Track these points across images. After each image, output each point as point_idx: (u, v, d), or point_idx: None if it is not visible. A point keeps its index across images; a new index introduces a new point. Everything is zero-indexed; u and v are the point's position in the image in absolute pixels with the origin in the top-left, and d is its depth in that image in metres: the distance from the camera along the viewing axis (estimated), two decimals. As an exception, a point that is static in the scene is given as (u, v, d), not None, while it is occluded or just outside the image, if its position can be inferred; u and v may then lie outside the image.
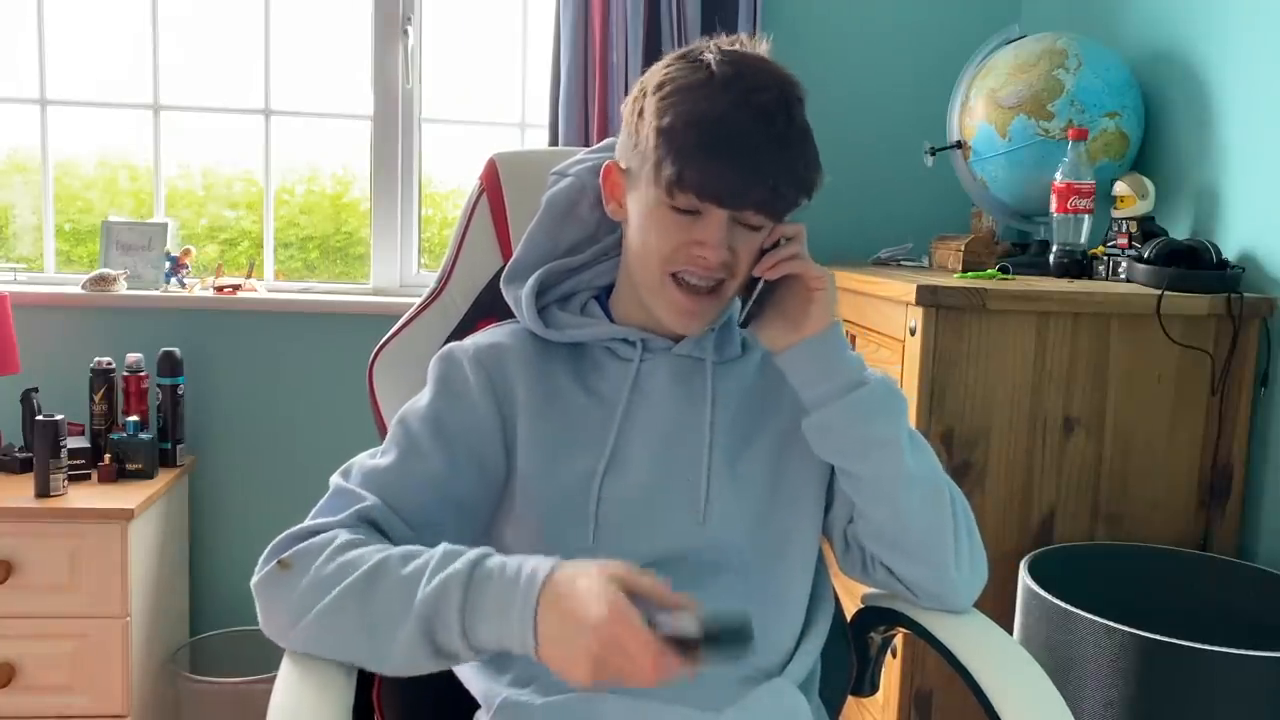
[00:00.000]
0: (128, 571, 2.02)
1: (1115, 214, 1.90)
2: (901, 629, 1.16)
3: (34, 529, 2.00)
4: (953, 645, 1.06)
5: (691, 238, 0.99)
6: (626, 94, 1.07)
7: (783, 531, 1.07)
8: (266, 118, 2.53)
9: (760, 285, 1.02)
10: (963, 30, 2.46)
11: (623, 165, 1.06)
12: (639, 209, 1.03)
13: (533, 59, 2.58)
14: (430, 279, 1.34)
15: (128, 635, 2.04)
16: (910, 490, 1.03)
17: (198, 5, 2.50)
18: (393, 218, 2.54)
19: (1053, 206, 1.90)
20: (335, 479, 1.02)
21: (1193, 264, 1.70)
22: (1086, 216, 1.89)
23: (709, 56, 1.00)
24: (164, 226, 2.46)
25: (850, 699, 1.26)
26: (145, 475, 2.18)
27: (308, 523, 0.97)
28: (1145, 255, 1.75)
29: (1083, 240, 1.90)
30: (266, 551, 0.96)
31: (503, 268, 1.25)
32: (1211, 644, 1.30)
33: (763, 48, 1.04)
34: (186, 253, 2.45)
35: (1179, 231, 1.94)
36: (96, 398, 2.27)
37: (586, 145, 2.33)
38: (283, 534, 0.96)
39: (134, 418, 2.23)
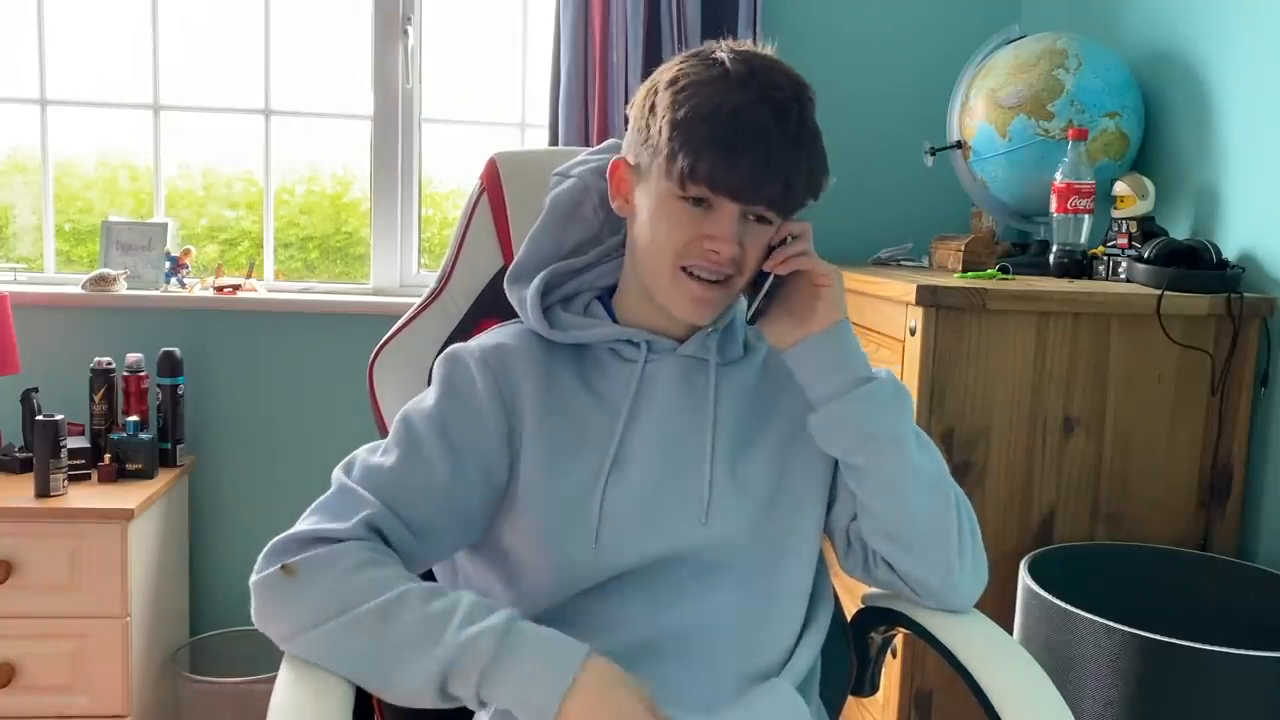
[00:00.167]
0: (128, 571, 2.02)
1: (1115, 214, 1.90)
2: (902, 629, 1.16)
3: (34, 529, 2.00)
4: (953, 645, 1.06)
5: (702, 231, 0.99)
6: (627, 94, 1.08)
7: (784, 531, 1.07)
8: (266, 118, 2.53)
9: (768, 282, 1.02)
10: (963, 30, 2.46)
11: (631, 161, 1.06)
12: (648, 203, 1.03)
13: (533, 59, 2.58)
14: (430, 279, 1.34)
15: (128, 635, 2.04)
16: (916, 486, 1.03)
17: (197, 5, 2.50)
18: (393, 218, 2.54)
19: (1053, 206, 1.90)
20: (338, 474, 1.01)
21: (1193, 264, 1.70)
22: (1086, 216, 1.89)
23: (722, 55, 1.01)
24: (164, 226, 2.46)
25: (850, 699, 1.26)
26: (145, 475, 2.18)
27: (312, 526, 0.96)
28: (1145, 255, 1.75)
29: (1083, 240, 1.90)
30: (267, 551, 0.95)
31: (503, 267, 1.25)
32: (1211, 644, 1.30)
33: (771, 51, 1.04)
34: (186, 253, 2.45)
35: (1179, 231, 1.94)
36: (96, 398, 2.27)
37: (586, 145, 2.34)
38: (285, 534, 0.96)
39: (134, 418, 2.23)
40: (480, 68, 2.61)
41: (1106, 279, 1.86)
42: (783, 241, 1.03)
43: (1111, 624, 1.35)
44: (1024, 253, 2.07)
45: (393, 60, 2.50)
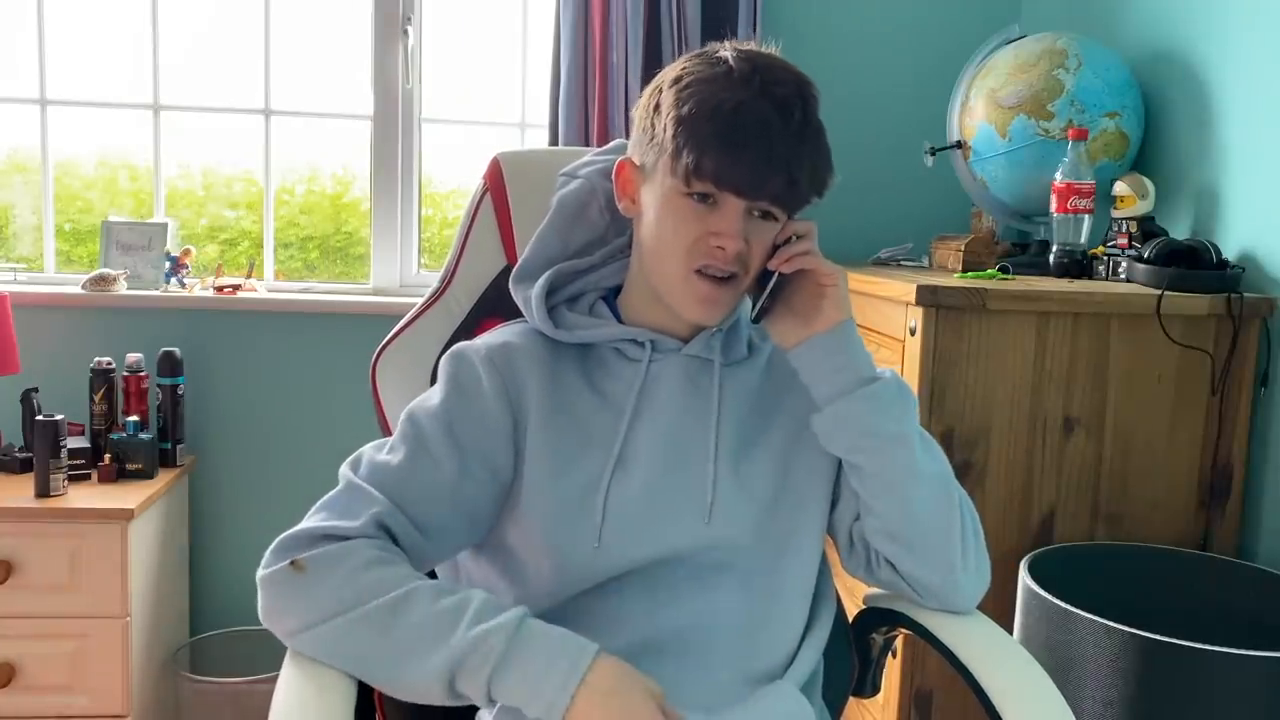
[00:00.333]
0: (128, 571, 2.02)
1: (1115, 214, 1.91)
2: (903, 630, 1.16)
3: (34, 529, 2.00)
4: (954, 645, 1.06)
5: (708, 229, 0.99)
6: (627, 94, 1.08)
7: (787, 531, 1.07)
8: (266, 118, 2.53)
9: (773, 281, 1.02)
10: (963, 30, 2.46)
11: (636, 161, 1.06)
12: (654, 202, 1.03)
13: (533, 59, 2.58)
14: (430, 279, 1.34)
15: (128, 635, 2.04)
16: (920, 486, 1.03)
17: (197, 5, 2.50)
18: (393, 218, 2.54)
19: (1053, 206, 1.90)
20: (345, 470, 1.01)
21: (1193, 264, 1.70)
22: (1086, 216, 1.89)
23: (726, 54, 1.01)
24: (164, 226, 2.46)
25: (850, 699, 1.26)
26: (145, 475, 2.18)
27: (321, 522, 0.96)
28: (1145, 255, 1.75)
29: (1083, 240, 1.90)
30: (275, 546, 0.95)
31: (506, 267, 1.25)
32: (1211, 644, 1.30)
33: (775, 51, 1.05)
34: (186, 253, 2.45)
35: (1179, 231, 1.94)
36: (96, 398, 2.27)
37: (587, 145, 2.34)
38: (293, 530, 0.96)
39: (134, 418, 2.22)
40: (480, 68, 2.61)
41: (1106, 279, 1.87)
42: (787, 240, 1.03)
43: (1111, 624, 1.35)
44: (1024, 253, 2.07)
45: (393, 60, 2.50)
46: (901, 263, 2.25)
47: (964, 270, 1.97)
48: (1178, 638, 1.31)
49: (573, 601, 1.02)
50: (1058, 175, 1.89)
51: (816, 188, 1.01)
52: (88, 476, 2.17)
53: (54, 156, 2.49)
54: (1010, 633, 1.47)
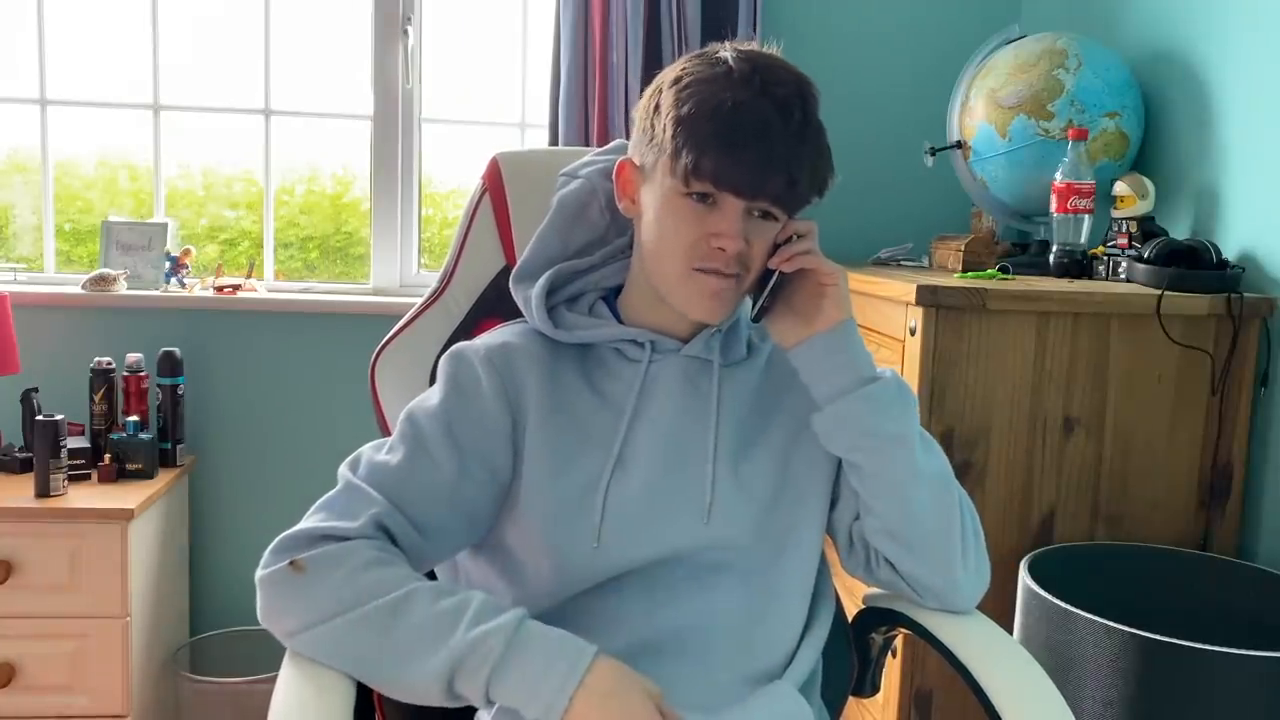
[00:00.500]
0: (128, 571, 2.02)
1: (1115, 214, 1.91)
2: (902, 629, 1.16)
3: (34, 529, 2.00)
4: (954, 645, 1.06)
5: (708, 229, 0.99)
6: (627, 94, 1.08)
7: (786, 531, 1.07)
8: (266, 118, 2.53)
9: (774, 280, 1.02)
10: (963, 30, 2.46)
11: (637, 161, 1.06)
12: (654, 202, 1.03)
13: (533, 59, 2.58)
14: (430, 279, 1.34)
15: (128, 635, 2.04)
16: (920, 486, 1.03)
17: (198, 5, 2.50)
18: (393, 218, 2.54)
19: (1053, 206, 1.90)
20: (344, 471, 1.01)
21: (1193, 264, 1.70)
22: (1086, 216, 1.89)
23: (726, 54, 1.01)
24: (164, 226, 2.46)
25: (850, 699, 1.26)
26: (145, 475, 2.18)
27: (320, 523, 0.96)
28: (1145, 255, 1.75)
29: (1083, 240, 1.90)
30: (274, 546, 0.95)
31: (505, 267, 1.25)
32: (1211, 644, 1.30)
33: (776, 51, 1.05)
34: (186, 253, 2.45)
35: (1179, 231, 1.94)
36: (96, 398, 2.27)
37: (587, 145, 2.34)
38: (292, 531, 0.96)
39: (134, 418, 2.22)
40: (480, 68, 2.61)
41: (1106, 279, 1.86)
42: (788, 239, 1.03)
43: (1111, 624, 1.35)
44: (1024, 253, 2.07)
45: (393, 60, 2.50)
46: (901, 263, 2.25)
47: (964, 270, 1.97)
48: (1178, 638, 1.31)
49: (572, 601, 1.02)
50: (1058, 175, 1.88)
51: (816, 188, 1.01)
52: (88, 476, 2.17)
53: (54, 156, 2.50)
54: (1010, 633, 1.47)
